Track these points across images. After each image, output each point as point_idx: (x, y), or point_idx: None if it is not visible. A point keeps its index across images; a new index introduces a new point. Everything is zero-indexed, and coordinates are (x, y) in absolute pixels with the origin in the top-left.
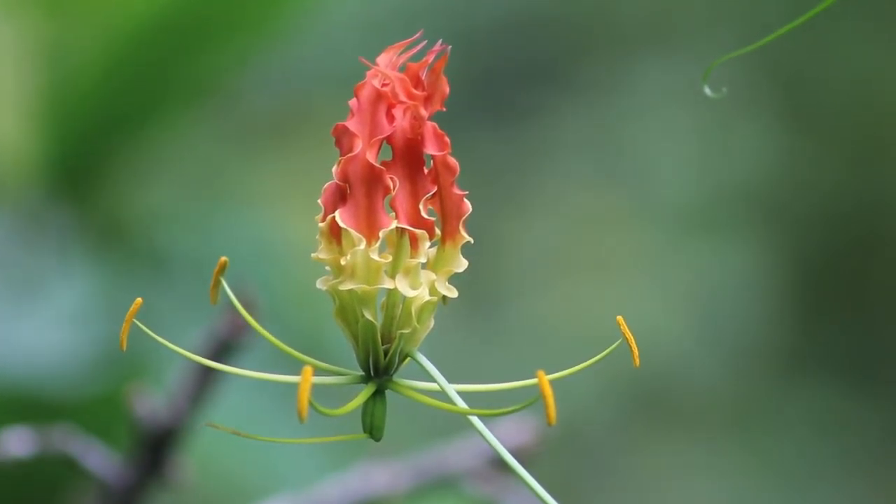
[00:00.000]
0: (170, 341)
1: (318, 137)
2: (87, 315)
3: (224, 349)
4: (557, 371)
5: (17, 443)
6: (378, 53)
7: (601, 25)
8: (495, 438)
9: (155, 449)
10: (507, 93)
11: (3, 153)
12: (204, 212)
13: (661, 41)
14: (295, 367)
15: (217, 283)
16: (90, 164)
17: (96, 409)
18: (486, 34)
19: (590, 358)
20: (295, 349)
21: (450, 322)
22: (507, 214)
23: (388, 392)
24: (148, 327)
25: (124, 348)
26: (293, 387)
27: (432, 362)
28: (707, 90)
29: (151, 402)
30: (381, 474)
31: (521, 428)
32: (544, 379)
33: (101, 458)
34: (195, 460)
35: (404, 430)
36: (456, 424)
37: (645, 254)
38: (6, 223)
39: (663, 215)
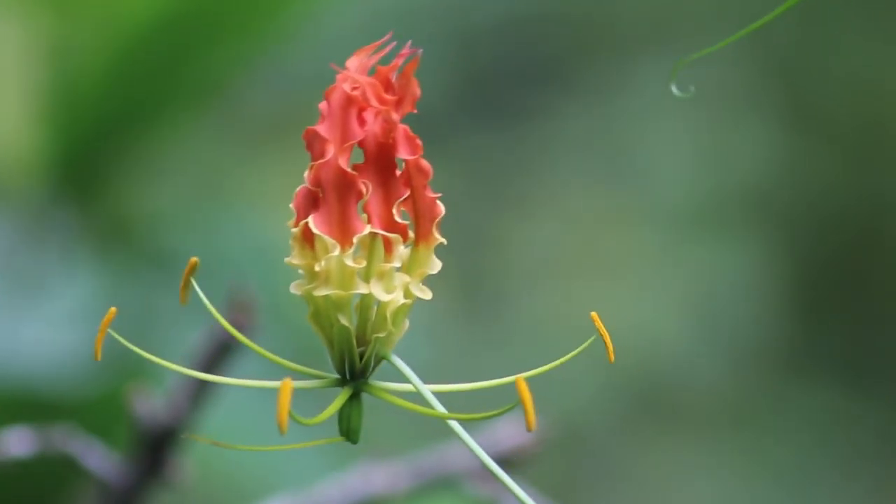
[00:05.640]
0: (172, 341)
1: None
2: (88, 315)
3: (224, 349)
4: (544, 367)
5: (17, 443)
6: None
7: (601, 25)
8: (481, 440)
9: (155, 449)
10: (507, 93)
11: (7, 153)
12: (207, 212)
13: (662, 42)
14: (299, 360)
15: (187, 284)
16: (93, 165)
17: (96, 409)
18: (486, 34)
19: (591, 356)
20: (298, 348)
21: (450, 322)
22: (507, 215)
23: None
24: (150, 327)
25: (98, 358)
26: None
27: (433, 362)
28: (674, 89)
29: (151, 402)
30: (380, 474)
31: (519, 428)
32: (523, 385)
33: (101, 458)
34: (195, 460)
35: (404, 430)
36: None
37: (645, 254)
38: (10, 223)
39: (663, 215)
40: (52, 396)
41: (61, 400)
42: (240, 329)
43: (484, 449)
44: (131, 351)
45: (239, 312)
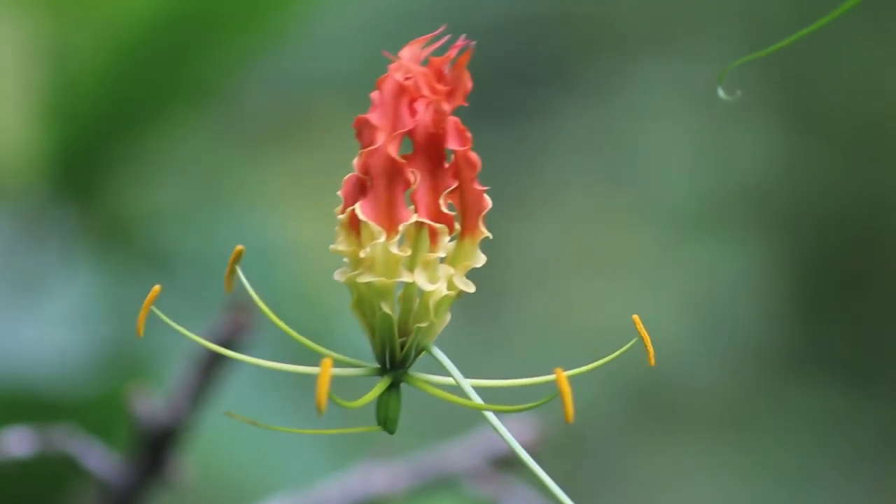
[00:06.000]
0: (172, 341)
1: (320, 138)
2: (88, 315)
3: (224, 349)
4: (584, 367)
5: (17, 443)
6: (379, 53)
7: (602, 26)
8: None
9: (155, 449)
10: (507, 93)
11: (7, 152)
12: (206, 212)
13: (662, 42)
14: (300, 361)
15: (232, 272)
16: (93, 164)
17: (96, 409)
18: (486, 34)
19: (592, 356)
20: (298, 349)
21: (451, 322)
22: (507, 215)
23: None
24: (150, 327)
25: (141, 334)
26: (294, 385)
27: (433, 362)
28: (721, 92)
29: (151, 402)
30: (381, 474)
31: (522, 426)
32: (562, 376)
33: (101, 458)
34: (195, 460)
35: (404, 429)
36: (455, 424)
37: (645, 254)
38: (9, 222)
39: (664, 215)
40: (52, 396)
41: (61, 400)
42: (241, 328)
43: (484, 448)
44: (131, 351)
45: (239, 312)
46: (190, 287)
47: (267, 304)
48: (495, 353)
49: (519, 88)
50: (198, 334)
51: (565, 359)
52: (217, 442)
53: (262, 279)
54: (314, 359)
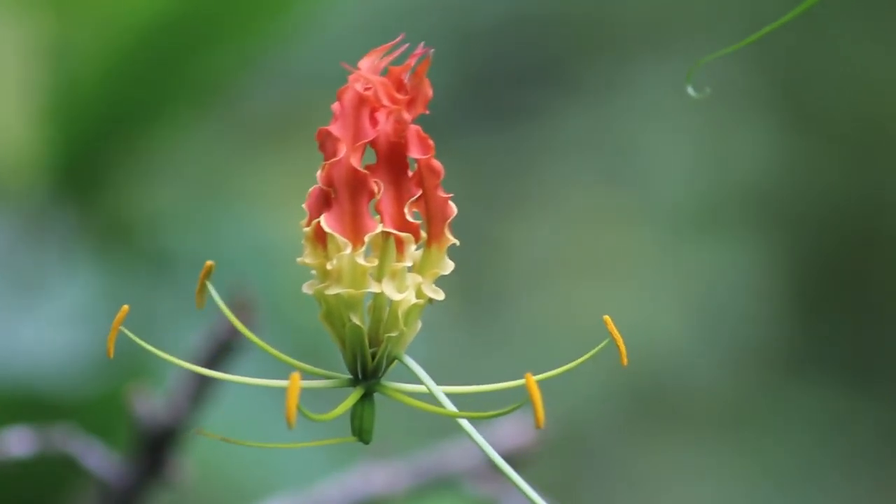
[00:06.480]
0: (172, 341)
1: None
2: (88, 315)
3: (224, 349)
4: (556, 371)
5: (17, 443)
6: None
7: (602, 26)
8: (485, 440)
9: (155, 449)
10: (507, 93)
11: (7, 153)
12: (207, 212)
13: (662, 42)
14: (300, 360)
15: (203, 288)
16: (93, 165)
17: (96, 409)
18: (486, 34)
19: (591, 357)
20: (297, 348)
21: (451, 323)
22: (507, 215)
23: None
24: (150, 327)
25: (111, 356)
26: None
27: (434, 362)
28: (690, 90)
29: (151, 402)
30: (380, 474)
31: (520, 428)
32: (532, 381)
33: (101, 458)
34: (195, 460)
35: (404, 429)
36: (455, 425)
37: (645, 254)
38: (9, 223)
39: (663, 215)
40: (52, 396)
41: (61, 400)
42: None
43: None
44: (131, 351)
45: (239, 312)
46: (190, 287)
47: (267, 304)
48: (495, 354)
49: (519, 88)
50: (198, 336)
51: (565, 359)
52: (217, 442)
53: (262, 279)
54: (309, 360)
